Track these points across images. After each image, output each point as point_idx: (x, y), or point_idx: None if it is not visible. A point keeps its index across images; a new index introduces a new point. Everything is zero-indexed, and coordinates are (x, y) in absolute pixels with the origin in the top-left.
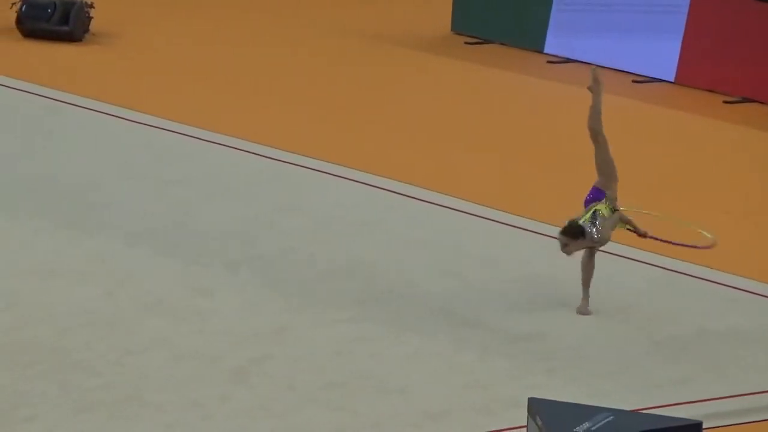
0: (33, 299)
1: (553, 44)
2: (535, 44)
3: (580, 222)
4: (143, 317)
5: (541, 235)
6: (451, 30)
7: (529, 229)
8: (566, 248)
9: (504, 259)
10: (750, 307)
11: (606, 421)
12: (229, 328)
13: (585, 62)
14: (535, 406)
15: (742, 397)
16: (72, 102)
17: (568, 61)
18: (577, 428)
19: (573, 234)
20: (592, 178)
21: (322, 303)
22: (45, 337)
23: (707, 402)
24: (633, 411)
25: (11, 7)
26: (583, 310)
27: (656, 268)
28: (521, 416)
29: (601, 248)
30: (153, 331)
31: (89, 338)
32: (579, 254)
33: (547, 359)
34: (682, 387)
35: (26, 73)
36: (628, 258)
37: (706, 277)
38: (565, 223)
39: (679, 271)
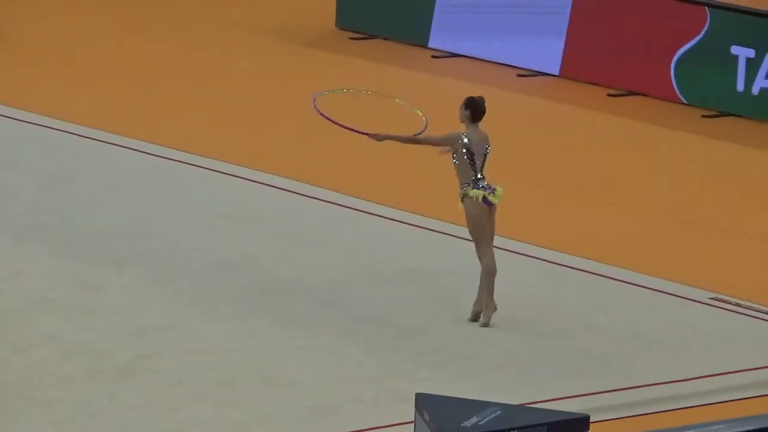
0: None
1: (437, 39)
2: (420, 39)
3: None
4: (31, 314)
5: (427, 230)
6: (336, 25)
7: (415, 224)
8: None
9: (391, 253)
10: (631, 299)
11: (494, 415)
12: (117, 325)
13: (469, 56)
14: (423, 402)
15: (628, 390)
16: None
17: (452, 55)
18: (465, 423)
19: None
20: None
21: (211, 298)
22: None
23: (594, 395)
24: (521, 405)
25: None
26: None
27: (541, 261)
28: (408, 411)
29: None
30: (41, 329)
31: None
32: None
33: (434, 354)
34: (569, 381)
35: None
36: (513, 252)
37: (589, 270)
38: None
39: (563, 264)
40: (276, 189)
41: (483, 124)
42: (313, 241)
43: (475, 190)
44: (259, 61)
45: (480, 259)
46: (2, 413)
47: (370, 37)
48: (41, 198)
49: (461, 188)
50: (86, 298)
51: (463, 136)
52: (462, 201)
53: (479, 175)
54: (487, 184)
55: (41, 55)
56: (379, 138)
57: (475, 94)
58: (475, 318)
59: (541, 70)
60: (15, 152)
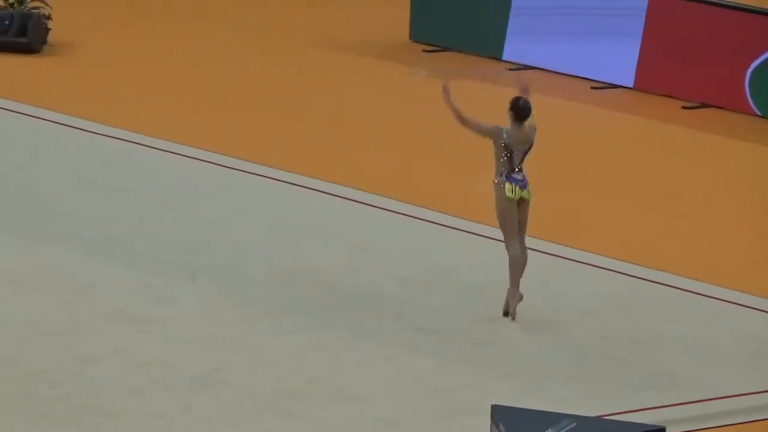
0: None
1: (511, 52)
2: (494, 52)
3: None
4: (101, 327)
5: (500, 242)
6: (410, 38)
7: (486, 235)
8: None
9: (462, 265)
10: (701, 310)
11: (569, 427)
12: (187, 337)
13: (543, 69)
14: (499, 414)
15: (700, 402)
16: (28, 113)
17: (526, 67)
18: None
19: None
20: (554, 186)
21: (280, 310)
22: (3, 348)
23: (665, 408)
24: (595, 417)
25: None
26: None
27: (611, 272)
28: (479, 423)
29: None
30: (111, 341)
31: (48, 348)
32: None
33: (506, 365)
34: (640, 393)
35: None
36: (583, 263)
37: (659, 281)
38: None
39: (633, 275)
40: (346, 200)
41: (556, 132)
42: (383, 253)
43: (509, 185)
44: (332, 73)
45: (507, 249)
46: (74, 425)
47: (444, 49)
48: (110, 210)
49: (497, 176)
50: (157, 310)
51: (504, 133)
52: (494, 188)
53: (516, 169)
54: (522, 178)
55: (105, 65)
56: (447, 99)
57: (549, 107)
58: (506, 311)
59: (615, 83)
60: (82, 165)
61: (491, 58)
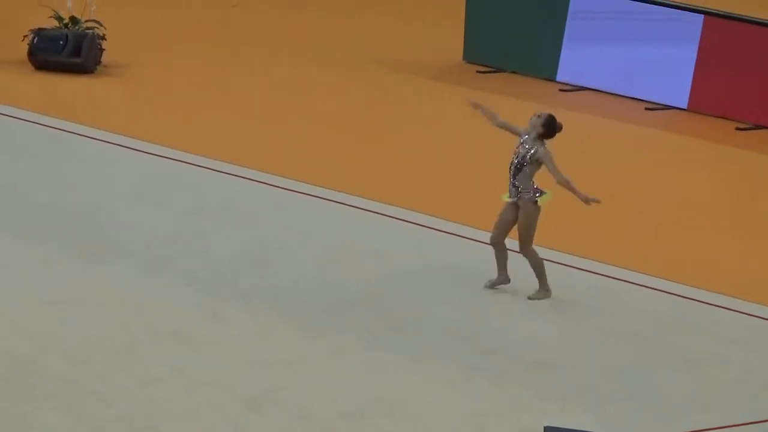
0: (47, 329)
1: (565, 72)
2: (548, 73)
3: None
4: (158, 346)
5: (553, 263)
6: (463, 59)
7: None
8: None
9: (515, 287)
10: (762, 332)
11: None
12: (243, 357)
13: (597, 90)
14: None
15: (760, 423)
16: (84, 133)
17: (580, 89)
18: None
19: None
20: (609, 206)
21: (336, 331)
22: (59, 367)
23: (726, 429)
24: None
25: (23, 39)
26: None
27: (668, 294)
28: None
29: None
30: (167, 361)
31: (103, 368)
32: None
33: (561, 387)
34: (698, 414)
35: (38, 105)
36: (642, 285)
37: (718, 303)
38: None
39: (691, 297)
40: (401, 221)
41: (610, 153)
42: (441, 274)
43: (542, 197)
44: (385, 94)
45: (526, 255)
46: None
47: (498, 70)
48: (166, 230)
49: (533, 192)
50: (213, 330)
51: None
52: (534, 203)
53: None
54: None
55: (159, 86)
56: (475, 104)
57: (603, 128)
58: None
59: (669, 104)
60: (137, 185)
61: (545, 79)
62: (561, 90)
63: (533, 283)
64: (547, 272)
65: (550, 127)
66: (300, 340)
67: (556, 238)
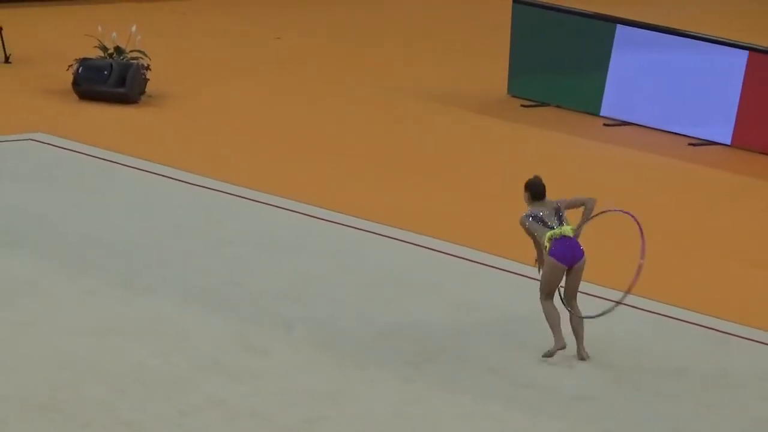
0: (88, 358)
1: (609, 107)
2: (592, 107)
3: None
4: (197, 377)
5: (589, 295)
6: (508, 93)
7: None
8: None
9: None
10: None
11: None
12: (283, 388)
13: (640, 125)
14: None
15: None
16: (126, 163)
17: (624, 123)
18: None
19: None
20: (653, 242)
21: (376, 363)
22: (100, 396)
23: None
24: None
25: (68, 69)
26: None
27: (707, 329)
28: None
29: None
30: (207, 391)
31: (144, 398)
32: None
33: (601, 421)
34: None
35: (82, 135)
36: (678, 319)
37: (758, 339)
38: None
39: (732, 333)
40: (441, 254)
41: (653, 188)
42: (481, 308)
43: (551, 232)
44: (428, 126)
45: (543, 305)
46: None
47: (542, 104)
48: (207, 261)
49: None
50: (253, 361)
51: (529, 213)
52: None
53: (554, 226)
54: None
55: (203, 116)
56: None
57: (646, 163)
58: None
59: (712, 140)
60: (181, 215)
61: (589, 113)
62: (605, 125)
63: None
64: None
65: (531, 189)
66: (339, 372)
67: (603, 274)
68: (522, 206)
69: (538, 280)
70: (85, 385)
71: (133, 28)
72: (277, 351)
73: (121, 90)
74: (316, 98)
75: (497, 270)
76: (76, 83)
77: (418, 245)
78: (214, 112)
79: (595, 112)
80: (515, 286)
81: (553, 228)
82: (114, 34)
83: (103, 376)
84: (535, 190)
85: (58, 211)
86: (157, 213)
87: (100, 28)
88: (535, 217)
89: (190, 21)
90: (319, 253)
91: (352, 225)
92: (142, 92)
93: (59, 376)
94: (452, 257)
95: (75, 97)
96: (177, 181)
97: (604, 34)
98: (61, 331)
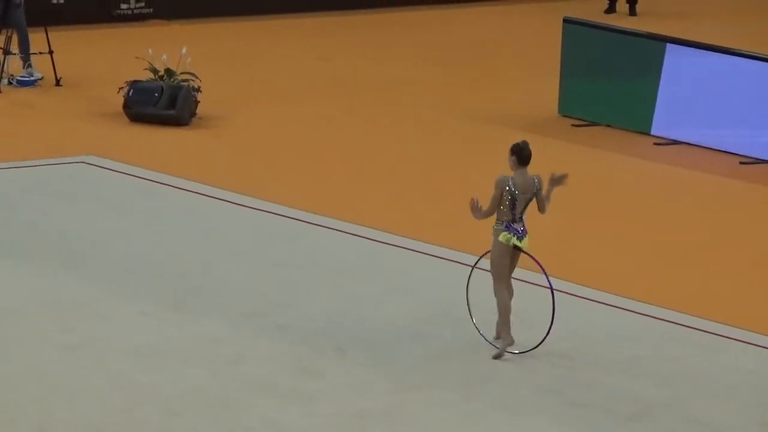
0: (141, 381)
1: (659, 126)
2: (642, 126)
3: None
4: (250, 399)
5: (644, 316)
6: (559, 112)
7: (629, 309)
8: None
9: (607, 339)
10: None
11: None
12: (337, 410)
13: (691, 144)
14: None
15: None
16: (177, 185)
17: (675, 143)
18: None
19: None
20: (705, 261)
21: (430, 384)
22: (153, 418)
23: None
24: None
25: (118, 92)
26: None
27: (762, 349)
28: None
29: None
30: (261, 413)
31: (196, 420)
32: None
33: None
34: None
35: (133, 157)
36: (733, 339)
37: None
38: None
39: None
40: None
41: (704, 208)
42: (535, 328)
43: (505, 234)
44: (478, 146)
45: (495, 294)
46: None
47: (592, 124)
48: (259, 283)
49: (496, 223)
50: (307, 383)
51: (510, 181)
52: (492, 233)
53: (517, 219)
54: (522, 228)
55: (254, 139)
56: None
57: (697, 182)
58: (497, 356)
59: (764, 158)
60: (232, 237)
61: (640, 132)
62: (655, 144)
63: (623, 335)
64: (640, 326)
65: (517, 152)
66: (394, 393)
67: (660, 293)
68: (579, 230)
69: (601, 302)
70: (139, 407)
71: (184, 50)
72: (331, 373)
73: (172, 112)
74: (366, 120)
75: (541, 288)
76: (126, 106)
77: (469, 265)
78: (264, 134)
79: (645, 131)
80: (572, 306)
81: (513, 221)
82: (164, 56)
83: (157, 399)
84: (522, 155)
85: (110, 233)
86: (209, 235)
87: (150, 51)
88: (511, 193)
89: (239, 43)
90: (372, 274)
91: (405, 246)
92: (193, 114)
93: (112, 399)
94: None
95: (126, 119)
96: (229, 203)
97: (654, 52)
98: (113, 354)
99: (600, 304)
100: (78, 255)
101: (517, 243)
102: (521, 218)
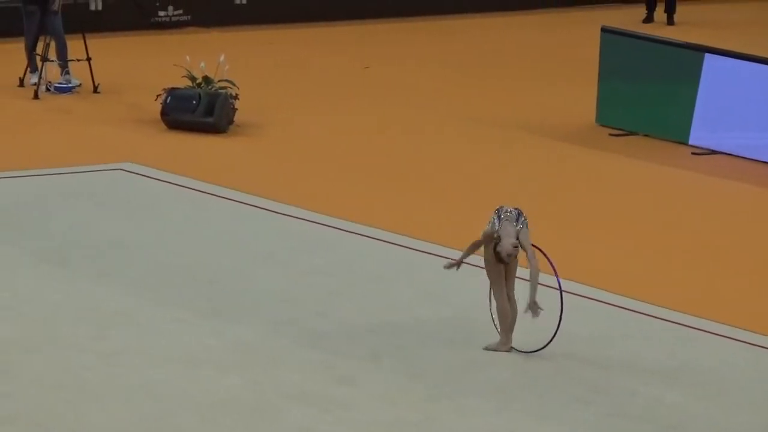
0: (176, 388)
1: (698, 136)
2: (680, 136)
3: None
4: (285, 407)
5: (684, 326)
6: (596, 122)
7: (664, 317)
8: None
9: (645, 349)
10: None
11: None
12: (372, 419)
13: (730, 154)
14: None
15: None
16: (215, 192)
17: (713, 152)
18: None
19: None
20: (743, 268)
21: (465, 393)
22: (189, 426)
23: None
24: None
25: (156, 99)
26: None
27: None
28: None
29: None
30: (296, 421)
31: (232, 428)
32: None
33: None
34: None
35: (170, 164)
36: None
37: None
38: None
39: None
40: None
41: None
42: (575, 341)
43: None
44: (515, 155)
45: (495, 298)
46: None
47: (630, 133)
48: (295, 290)
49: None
50: (341, 391)
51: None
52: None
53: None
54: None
55: (292, 146)
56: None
57: (736, 192)
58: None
59: None
60: (268, 245)
61: (678, 142)
62: (693, 153)
63: (664, 349)
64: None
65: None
66: (429, 402)
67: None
68: (608, 235)
69: (638, 311)
70: (174, 415)
71: (221, 58)
72: (365, 381)
73: (210, 120)
74: (404, 128)
75: (590, 300)
76: (164, 113)
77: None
78: (302, 142)
79: (683, 141)
80: (605, 315)
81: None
82: (202, 63)
83: (193, 406)
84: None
85: (147, 241)
86: (245, 242)
87: (188, 58)
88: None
89: (277, 50)
90: (407, 282)
91: (439, 254)
92: (231, 122)
93: (148, 407)
94: (543, 287)
95: (163, 126)
96: (265, 211)
97: (692, 62)
98: (150, 361)
99: (634, 313)
100: (115, 261)
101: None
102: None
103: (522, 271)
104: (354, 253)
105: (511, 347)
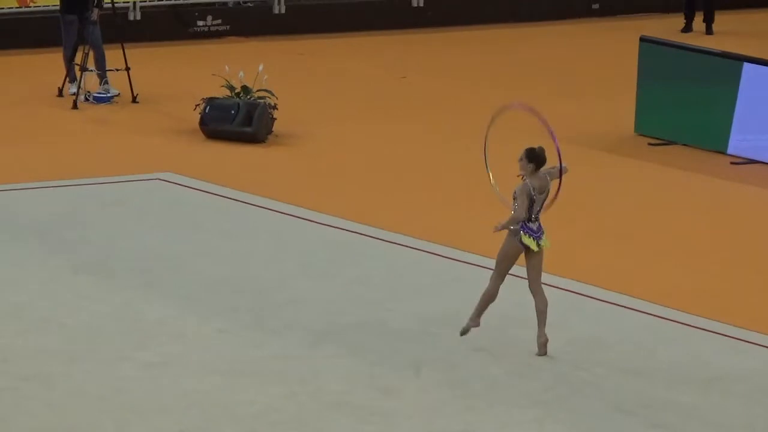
0: (218, 399)
1: (736, 145)
2: (719, 145)
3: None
4: (328, 417)
5: (727, 337)
6: (635, 131)
7: (702, 327)
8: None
9: (688, 363)
10: None
11: None
12: (412, 429)
13: None
14: None
15: None
16: (254, 202)
17: (751, 162)
18: None
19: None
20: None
21: (505, 403)
22: None
23: None
24: None
25: (195, 108)
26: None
27: None
28: None
29: None
30: (336, 431)
31: None
32: None
33: None
34: None
35: (209, 174)
36: None
37: None
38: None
39: None
40: (569, 293)
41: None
42: (608, 346)
43: (526, 236)
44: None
45: (490, 280)
46: None
47: (669, 143)
48: (335, 300)
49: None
50: (382, 401)
51: (531, 189)
52: (509, 233)
53: (532, 218)
54: (537, 228)
55: (330, 156)
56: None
57: None
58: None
59: None
60: (309, 255)
61: (717, 152)
62: (732, 163)
63: (700, 360)
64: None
65: (535, 160)
66: (469, 412)
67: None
68: (646, 246)
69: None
70: (216, 426)
71: (260, 68)
72: (407, 391)
73: (248, 129)
74: (443, 138)
75: (627, 309)
76: (203, 123)
77: (550, 285)
78: (340, 152)
79: (722, 151)
80: (646, 325)
81: (529, 220)
82: (241, 73)
83: (234, 417)
84: (539, 161)
85: (186, 251)
86: (286, 252)
87: (227, 68)
88: (530, 197)
89: (315, 60)
90: (448, 294)
91: (482, 264)
92: (269, 132)
93: (189, 417)
94: (582, 296)
95: (202, 136)
96: (305, 221)
97: (731, 72)
98: (191, 372)
99: (671, 322)
100: (156, 272)
101: (536, 248)
102: (537, 217)
103: (520, 270)
104: (395, 264)
105: (479, 323)
